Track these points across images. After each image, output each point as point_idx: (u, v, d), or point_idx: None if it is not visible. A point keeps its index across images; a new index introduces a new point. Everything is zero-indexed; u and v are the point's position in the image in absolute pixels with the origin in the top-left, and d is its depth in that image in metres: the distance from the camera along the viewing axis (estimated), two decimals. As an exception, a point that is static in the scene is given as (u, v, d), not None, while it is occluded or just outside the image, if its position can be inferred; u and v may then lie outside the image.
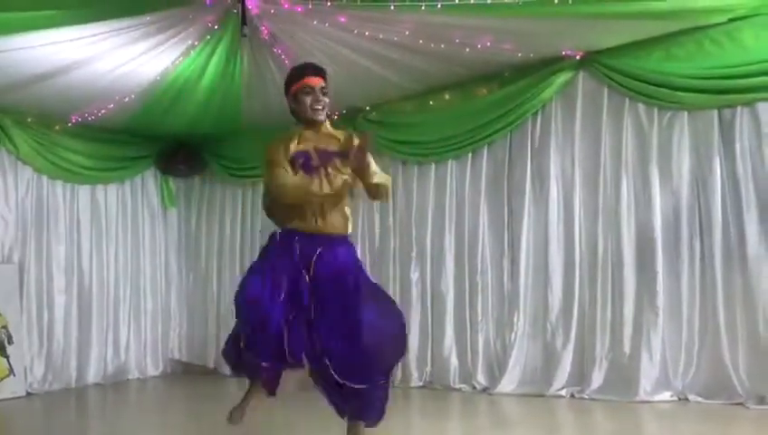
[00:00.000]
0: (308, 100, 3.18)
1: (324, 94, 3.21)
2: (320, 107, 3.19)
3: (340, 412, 3.31)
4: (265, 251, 3.26)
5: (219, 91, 5.78)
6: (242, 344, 3.12)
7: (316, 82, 3.20)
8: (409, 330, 5.92)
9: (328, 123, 3.31)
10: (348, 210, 3.30)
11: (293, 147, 3.19)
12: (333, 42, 4.90)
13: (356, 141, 3.15)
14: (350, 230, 3.33)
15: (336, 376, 3.03)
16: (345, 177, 3.20)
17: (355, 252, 3.35)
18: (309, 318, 3.08)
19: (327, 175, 3.17)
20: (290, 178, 3.13)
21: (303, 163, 3.16)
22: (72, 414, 5.63)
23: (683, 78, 4.76)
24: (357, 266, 3.26)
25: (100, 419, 5.55)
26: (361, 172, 3.15)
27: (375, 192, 3.28)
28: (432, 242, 5.96)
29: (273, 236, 3.27)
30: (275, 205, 3.27)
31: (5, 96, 5.70)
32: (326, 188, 3.14)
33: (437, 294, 5.88)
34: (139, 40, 4.80)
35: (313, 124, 3.24)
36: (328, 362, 3.02)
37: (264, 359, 3.08)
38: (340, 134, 3.30)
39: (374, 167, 3.24)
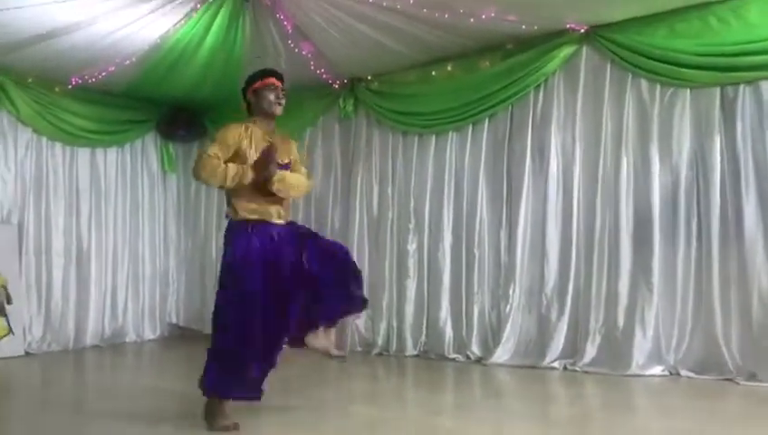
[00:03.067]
0: (271, 96, 3.62)
1: (283, 96, 3.66)
2: (280, 102, 3.64)
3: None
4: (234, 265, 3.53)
5: (220, 56, 5.74)
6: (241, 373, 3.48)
7: (278, 83, 3.66)
8: (405, 299, 5.99)
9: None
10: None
11: (250, 144, 3.57)
12: (336, 8, 4.86)
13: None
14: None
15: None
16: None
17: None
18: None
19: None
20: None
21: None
22: (70, 374, 5.68)
23: (687, 54, 4.74)
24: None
25: (97, 379, 5.61)
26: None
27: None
28: (430, 213, 5.97)
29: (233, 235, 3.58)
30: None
31: (6, 56, 5.66)
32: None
33: (434, 264, 5.91)
34: (141, 2, 4.76)
35: (270, 117, 3.66)
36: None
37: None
38: (284, 138, 3.80)
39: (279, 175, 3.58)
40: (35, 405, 4.29)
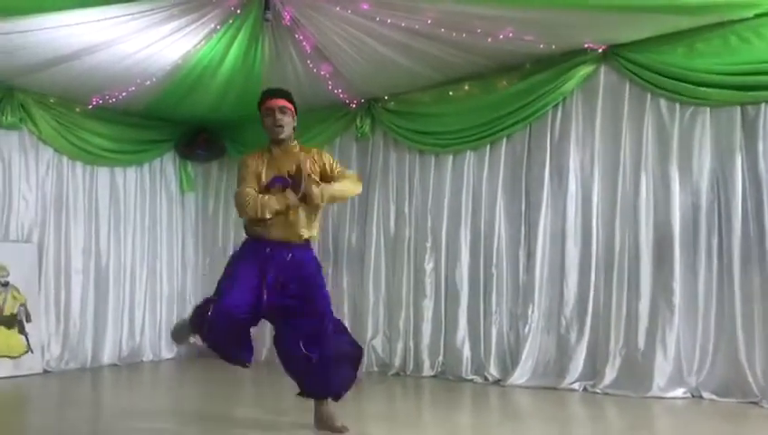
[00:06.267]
0: (268, 120, 3.61)
1: (283, 113, 3.61)
2: (280, 125, 3.59)
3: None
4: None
5: (240, 77, 5.79)
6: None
7: (274, 103, 3.61)
8: (422, 319, 5.96)
9: (296, 143, 3.75)
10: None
11: (264, 169, 3.64)
12: (355, 29, 4.90)
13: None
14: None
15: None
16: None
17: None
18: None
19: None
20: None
21: (283, 185, 3.59)
22: (87, 393, 5.68)
23: (707, 73, 4.72)
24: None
25: (114, 398, 5.61)
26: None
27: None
28: (447, 233, 5.96)
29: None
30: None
31: (28, 76, 5.75)
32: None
33: (452, 284, 5.87)
34: (161, 23, 4.82)
35: (276, 142, 3.65)
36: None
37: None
38: (306, 152, 3.74)
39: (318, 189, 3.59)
40: (52, 422, 4.29)
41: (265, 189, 3.61)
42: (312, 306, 3.65)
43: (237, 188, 3.63)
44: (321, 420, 3.73)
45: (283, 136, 3.64)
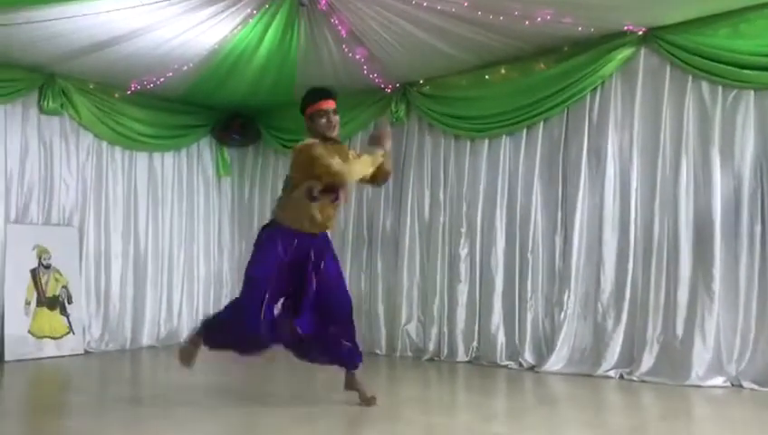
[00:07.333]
0: (322, 121, 3.76)
1: (335, 114, 3.80)
2: (333, 125, 3.79)
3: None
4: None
5: (275, 61, 5.81)
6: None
7: (329, 105, 3.79)
8: (457, 305, 5.95)
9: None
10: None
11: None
12: (390, 12, 4.87)
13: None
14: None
15: None
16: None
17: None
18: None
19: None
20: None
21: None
22: (127, 372, 5.81)
23: (750, 55, 4.59)
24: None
25: (153, 377, 5.72)
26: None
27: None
28: (483, 218, 5.92)
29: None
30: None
31: (69, 63, 5.85)
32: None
33: (486, 270, 5.84)
34: (198, 8, 4.85)
35: (329, 139, 3.78)
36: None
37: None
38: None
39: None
40: (94, 399, 4.41)
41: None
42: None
43: (330, 165, 3.61)
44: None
45: (335, 135, 3.82)
